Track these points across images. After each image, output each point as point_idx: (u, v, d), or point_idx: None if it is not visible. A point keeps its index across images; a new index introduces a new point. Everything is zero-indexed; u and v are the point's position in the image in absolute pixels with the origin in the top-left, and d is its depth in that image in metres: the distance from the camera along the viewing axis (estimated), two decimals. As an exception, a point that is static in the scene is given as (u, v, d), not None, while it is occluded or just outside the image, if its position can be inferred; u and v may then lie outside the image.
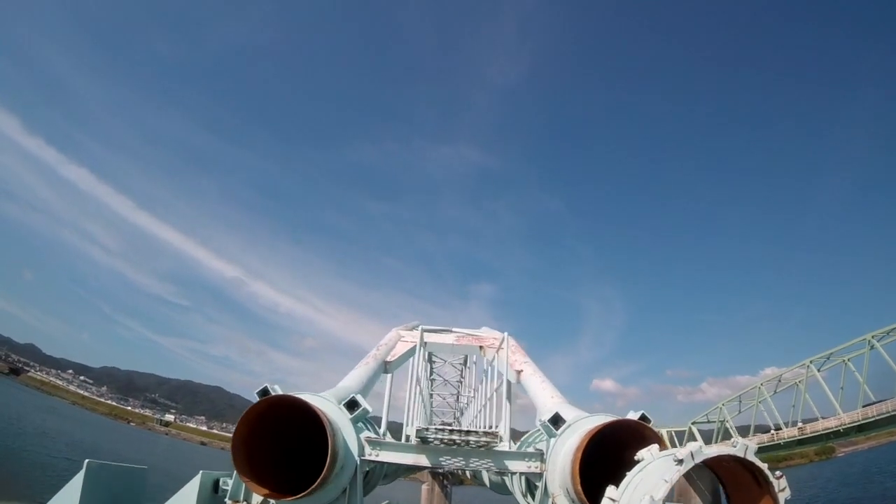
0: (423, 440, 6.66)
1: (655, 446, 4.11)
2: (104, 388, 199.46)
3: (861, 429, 58.18)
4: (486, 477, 12.71)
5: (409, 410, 7.52)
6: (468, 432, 6.57)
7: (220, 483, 7.90)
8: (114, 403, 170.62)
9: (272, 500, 6.10)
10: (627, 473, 4.08)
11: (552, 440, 6.52)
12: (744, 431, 76.32)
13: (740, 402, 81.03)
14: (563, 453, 6.19)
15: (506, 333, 13.86)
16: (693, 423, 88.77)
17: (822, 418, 60.67)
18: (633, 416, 6.21)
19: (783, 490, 4.28)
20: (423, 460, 6.81)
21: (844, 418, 58.27)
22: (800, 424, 62.83)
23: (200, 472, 7.49)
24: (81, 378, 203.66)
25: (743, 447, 4.19)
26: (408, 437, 7.00)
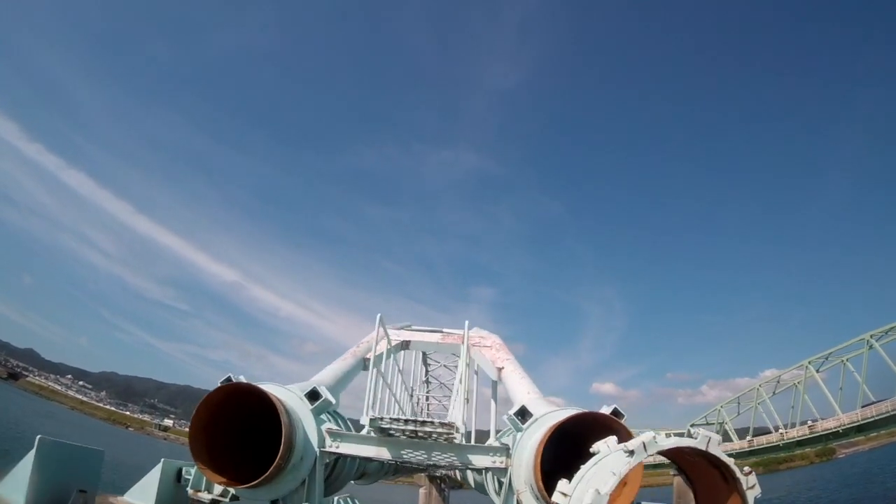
0: (379, 430, 6.52)
1: (613, 438, 3.89)
2: (103, 393, 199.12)
3: (861, 429, 57.85)
4: (470, 477, 12.50)
5: (368, 400, 7.31)
6: (423, 422, 6.40)
7: (183, 472, 7.76)
8: (112, 408, 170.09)
9: (231, 490, 5.96)
10: (582, 466, 3.87)
11: (518, 434, 6.34)
12: (743, 433, 76.01)
13: (739, 403, 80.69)
14: (528, 448, 6.00)
15: (471, 331, 13.69)
16: (691, 426, 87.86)
17: (822, 419, 60.35)
18: (605, 410, 6.03)
19: (752, 487, 4.04)
20: (384, 453, 6.67)
21: (844, 419, 57.95)
22: (809, 423, 62.36)
23: (162, 460, 7.35)
24: (80, 383, 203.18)
25: (704, 439, 3.96)
26: (366, 430, 6.83)
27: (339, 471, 7.35)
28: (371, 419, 6.45)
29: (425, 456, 6.56)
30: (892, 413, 53.50)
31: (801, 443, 58.21)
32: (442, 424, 6.38)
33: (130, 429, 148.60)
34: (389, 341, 10.58)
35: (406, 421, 6.41)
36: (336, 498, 17.67)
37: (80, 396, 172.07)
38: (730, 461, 4.05)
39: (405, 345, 16.00)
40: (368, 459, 6.98)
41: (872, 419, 55.60)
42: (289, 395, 6.43)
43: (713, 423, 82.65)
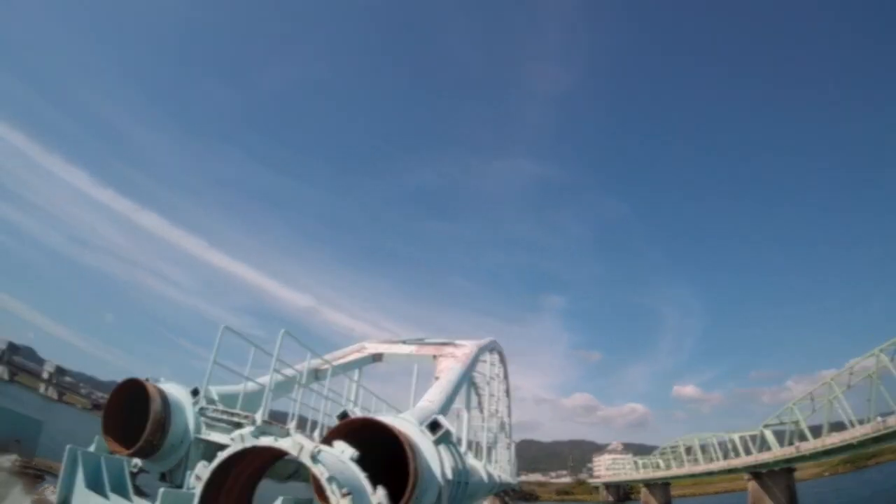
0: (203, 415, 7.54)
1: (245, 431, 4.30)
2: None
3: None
4: None
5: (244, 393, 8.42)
6: (233, 413, 7.27)
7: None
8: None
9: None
10: None
11: None
12: (817, 431, 70.46)
13: (812, 400, 74.85)
14: None
15: (461, 342, 13.90)
16: (765, 426, 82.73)
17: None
18: (406, 418, 6.40)
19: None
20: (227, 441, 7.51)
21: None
22: (879, 418, 56.91)
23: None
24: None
25: (296, 445, 3.65)
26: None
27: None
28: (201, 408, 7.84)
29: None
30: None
31: (877, 439, 53.25)
32: (245, 416, 7.24)
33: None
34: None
35: (224, 412, 7.74)
36: None
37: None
38: (320, 472, 3.70)
39: (378, 357, 16.56)
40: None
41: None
42: (177, 390, 7.93)
43: (787, 423, 77.18)
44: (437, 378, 12.25)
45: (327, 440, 5.82)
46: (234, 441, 3.68)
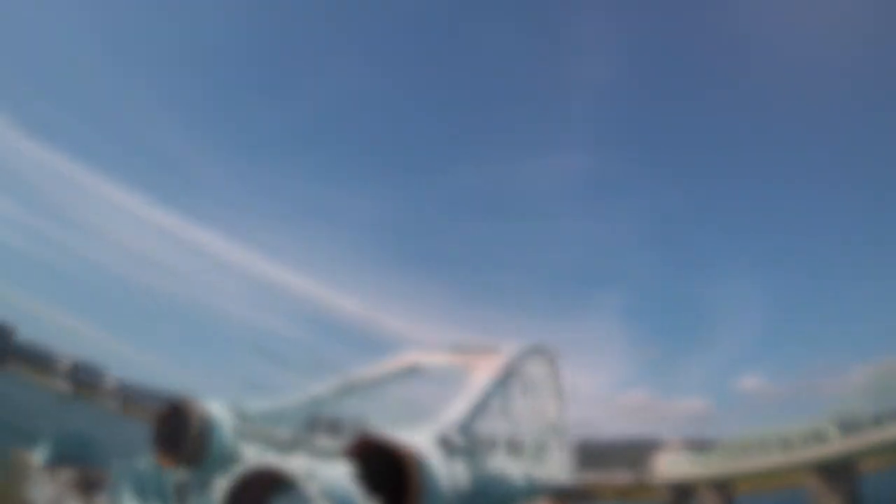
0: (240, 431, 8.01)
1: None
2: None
3: None
4: None
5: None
6: (265, 429, 7.66)
7: None
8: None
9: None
10: None
11: None
12: (885, 421, 66.50)
13: (879, 389, 70.79)
14: None
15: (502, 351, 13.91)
16: (829, 419, 78.70)
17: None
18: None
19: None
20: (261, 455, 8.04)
21: None
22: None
23: None
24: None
25: (297, 466, 3.72)
26: None
27: None
28: None
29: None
30: None
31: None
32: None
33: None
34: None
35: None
36: None
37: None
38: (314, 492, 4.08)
39: (414, 369, 16.75)
40: None
41: None
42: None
43: (850, 415, 73.31)
44: (470, 387, 12.35)
45: (347, 455, 6.06)
46: (254, 460, 3.89)
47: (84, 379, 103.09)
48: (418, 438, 6.43)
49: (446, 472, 6.11)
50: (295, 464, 3.76)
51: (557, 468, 33.56)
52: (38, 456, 13.18)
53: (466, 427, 6.95)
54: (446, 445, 6.33)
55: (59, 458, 11.95)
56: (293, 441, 7.44)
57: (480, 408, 10.22)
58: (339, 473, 4.26)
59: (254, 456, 7.78)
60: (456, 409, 9.53)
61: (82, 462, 12.07)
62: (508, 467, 13.14)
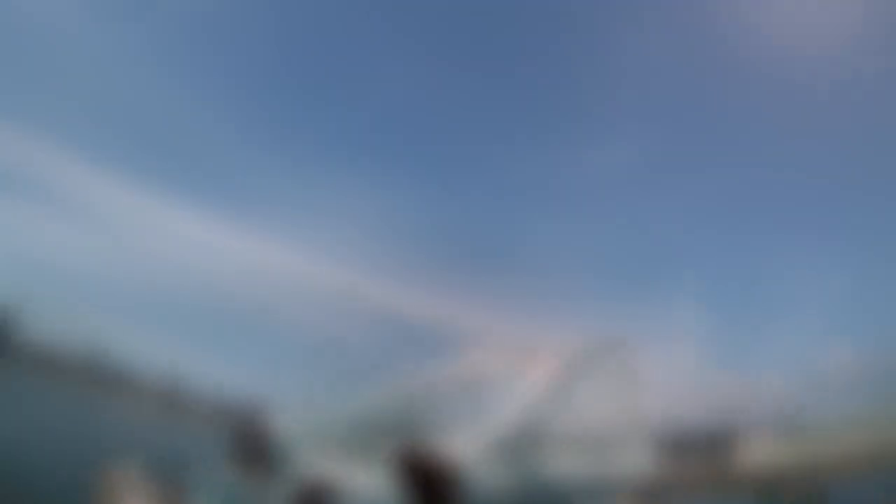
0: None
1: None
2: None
3: None
4: None
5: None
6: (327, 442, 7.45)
7: None
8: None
9: None
10: None
11: None
12: None
13: None
14: None
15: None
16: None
17: None
18: None
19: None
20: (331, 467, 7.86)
21: None
22: None
23: None
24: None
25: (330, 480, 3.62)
26: None
27: None
28: None
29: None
30: None
31: None
32: None
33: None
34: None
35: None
36: None
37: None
38: None
39: (476, 369, 16.47)
40: None
41: None
42: None
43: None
44: (535, 384, 11.94)
45: (394, 467, 5.83)
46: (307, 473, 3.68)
47: (168, 395, 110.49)
48: (470, 447, 6.10)
49: (498, 482, 5.78)
50: (349, 474, 3.59)
51: (633, 464, 32.20)
52: (126, 472, 13.87)
53: (531, 427, 6.51)
54: (506, 448, 5.94)
55: (147, 474, 12.49)
56: (355, 446, 7.31)
57: (548, 405, 9.76)
58: (375, 485, 4.07)
59: (316, 464, 7.72)
60: (520, 408, 9.11)
61: (168, 476, 12.52)
62: (577, 467, 12.59)
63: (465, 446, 6.28)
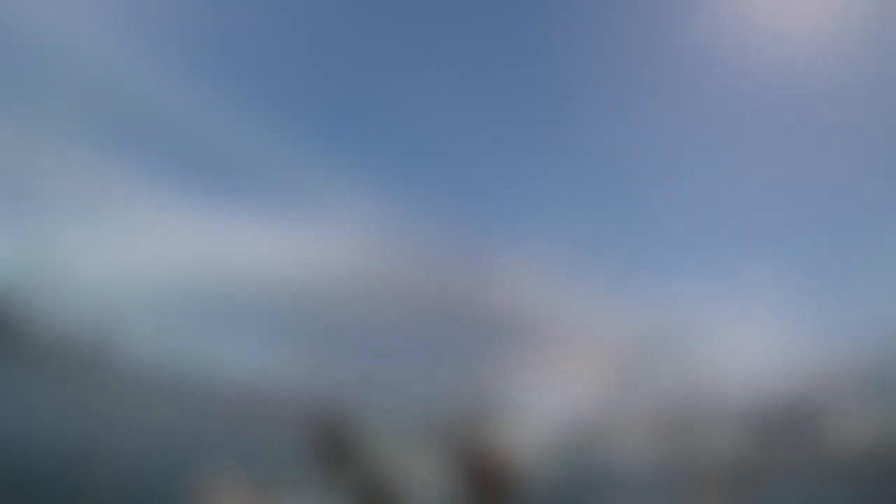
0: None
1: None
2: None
3: None
4: None
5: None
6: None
7: None
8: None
9: None
10: None
11: None
12: None
13: None
14: None
15: None
16: None
17: None
18: None
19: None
20: None
21: None
22: None
23: None
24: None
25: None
26: None
27: None
28: None
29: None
30: None
31: None
32: None
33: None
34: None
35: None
36: None
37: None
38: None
39: (532, 360, 16.05)
40: None
41: None
42: None
43: None
44: (595, 368, 11.51)
45: (448, 462, 5.57)
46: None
47: (242, 395, 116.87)
48: (529, 440, 5.78)
49: (559, 476, 5.42)
50: (415, 469, 3.40)
51: (712, 450, 30.76)
52: (217, 475, 14.69)
53: (595, 416, 6.10)
54: (567, 441, 5.59)
55: (237, 474, 13.00)
56: (419, 440, 7.07)
57: (613, 391, 9.25)
58: (425, 483, 3.85)
59: (388, 459, 7.66)
60: (582, 396, 8.68)
61: (255, 476, 13.03)
62: (647, 456, 11.93)
63: (524, 439, 5.89)
